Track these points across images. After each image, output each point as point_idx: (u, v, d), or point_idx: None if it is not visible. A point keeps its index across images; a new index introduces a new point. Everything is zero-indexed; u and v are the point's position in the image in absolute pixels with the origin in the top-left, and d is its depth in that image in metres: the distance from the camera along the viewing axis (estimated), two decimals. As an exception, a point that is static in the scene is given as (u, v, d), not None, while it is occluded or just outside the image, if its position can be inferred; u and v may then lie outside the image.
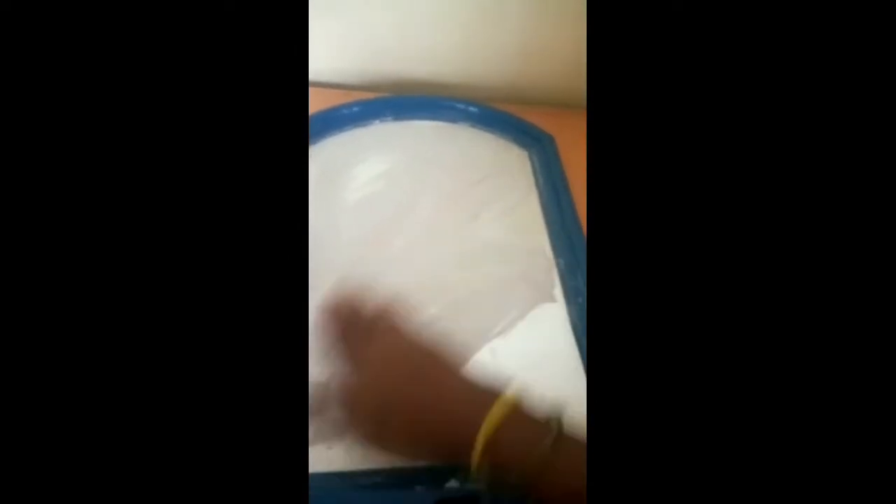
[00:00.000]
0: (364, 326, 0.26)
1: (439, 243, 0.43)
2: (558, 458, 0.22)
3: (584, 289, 0.41)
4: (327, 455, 0.31)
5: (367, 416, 0.25)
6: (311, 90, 0.60)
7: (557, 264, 0.43)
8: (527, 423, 0.23)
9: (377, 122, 0.53)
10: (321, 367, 0.28)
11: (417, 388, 0.25)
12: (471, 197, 0.48)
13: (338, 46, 0.60)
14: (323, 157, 0.49)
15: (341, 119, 0.51)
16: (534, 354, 0.37)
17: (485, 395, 0.24)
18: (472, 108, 0.54)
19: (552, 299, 0.41)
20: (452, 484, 0.30)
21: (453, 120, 0.54)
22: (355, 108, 0.51)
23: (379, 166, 0.49)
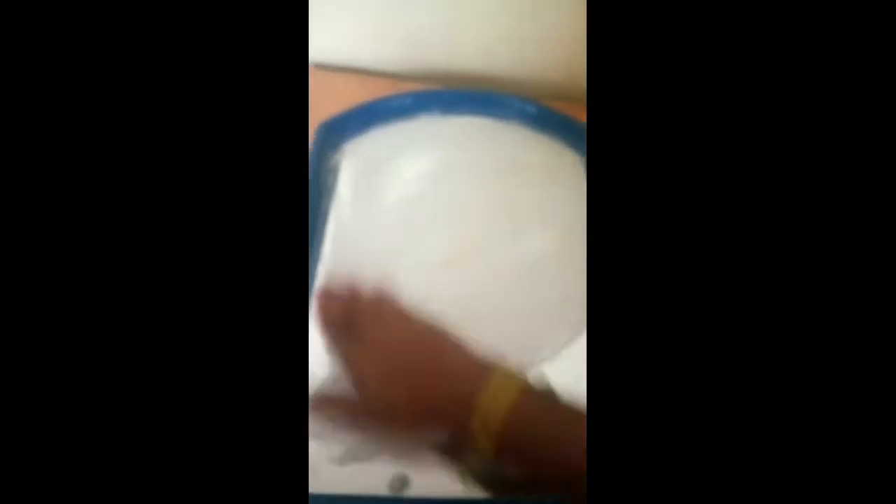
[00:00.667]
0: (355, 318, 0.26)
1: (483, 255, 0.40)
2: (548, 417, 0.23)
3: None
4: (358, 478, 0.29)
5: (372, 404, 0.25)
6: (353, 77, 0.58)
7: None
8: (533, 402, 0.23)
9: (423, 115, 0.50)
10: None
11: (418, 367, 0.25)
12: (520, 204, 0.44)
13: (383, 32, 0.57)
14: (367, 149, 0.46)
15: (387, 110, 0.48)
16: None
17: (481, 368, 0.24)
18: (529, 107, 0.50)
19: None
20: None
21: (505, 118, 0.50)
22: (404, 100, 0.48)
23: (423, 164, 0.46)
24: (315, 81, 0.59)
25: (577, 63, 0.55)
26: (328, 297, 0.27)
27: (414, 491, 0.29)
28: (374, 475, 0.29)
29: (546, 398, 0.23)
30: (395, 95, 0.49)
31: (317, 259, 0.39)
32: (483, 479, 0.25)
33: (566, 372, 0.34)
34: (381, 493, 0.29)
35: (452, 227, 0.42)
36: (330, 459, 0.30)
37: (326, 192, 0.43)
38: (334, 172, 0.45)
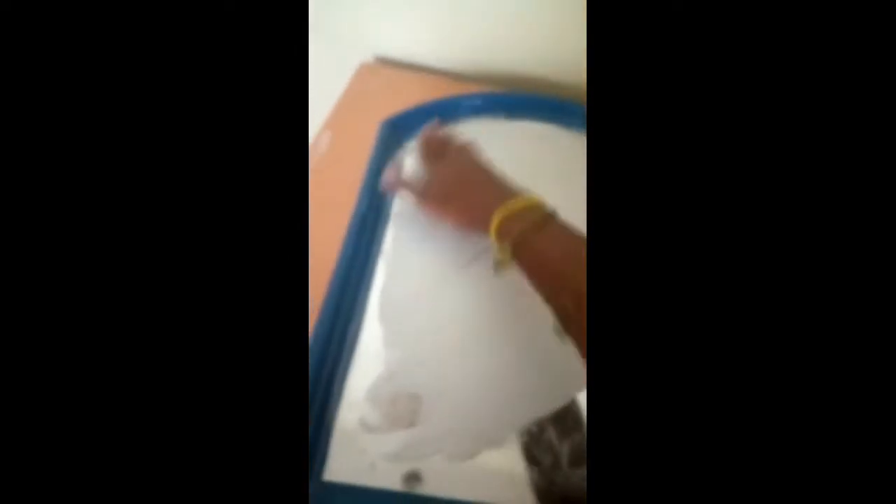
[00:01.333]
0: (445, 150, 0.39)
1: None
2: (544, 233, 0.30)
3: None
4: (413, 474, 0.29)
5: (433, 201, 0.36)
6: (415, 74, 0.57)
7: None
8: (529, 213, 0.31)
9: (488, 118, 0.49)
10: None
11: (468, 187, 0.35)
12: (576, 208, 0.43)
13: (448, 33, 0.57)
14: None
15: (452, 110, 0.48)
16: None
17: (504, 191, 0.33)
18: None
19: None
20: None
21: (569, 125, 0.49)
22: (472, 101, 0.48)
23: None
24: (375, 76, 0.59)
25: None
26: (432, 134, 0.41)
27: (426, 488, 0.29)
28: (389, 471, 0.29)
29: (548, 217, 0.30)
30: (464, 95, 0.48)
31: (372, 265, 0.38)
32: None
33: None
34: (395, 488, 0.29)
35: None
36: (384, 456, 0.30)
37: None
38: (398, 169, 0.44)
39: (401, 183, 0.39)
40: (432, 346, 0.34)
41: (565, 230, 0.30)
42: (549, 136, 0.49)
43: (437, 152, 0.39)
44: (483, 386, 0.32)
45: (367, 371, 0.33)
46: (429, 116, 0.46)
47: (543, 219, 0.30)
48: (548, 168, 0.46)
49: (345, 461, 0.30)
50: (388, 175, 0.40)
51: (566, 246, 0.29)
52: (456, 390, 0.32)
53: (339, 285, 0.34)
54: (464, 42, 0.57)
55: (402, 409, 0.31)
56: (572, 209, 0.44)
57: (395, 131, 0.46)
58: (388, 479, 0.29)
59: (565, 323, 0.28)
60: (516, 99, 0.50)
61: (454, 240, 0.38)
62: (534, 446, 0.31)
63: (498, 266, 0.31)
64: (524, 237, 0.30)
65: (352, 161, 0.43)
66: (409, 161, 0.43)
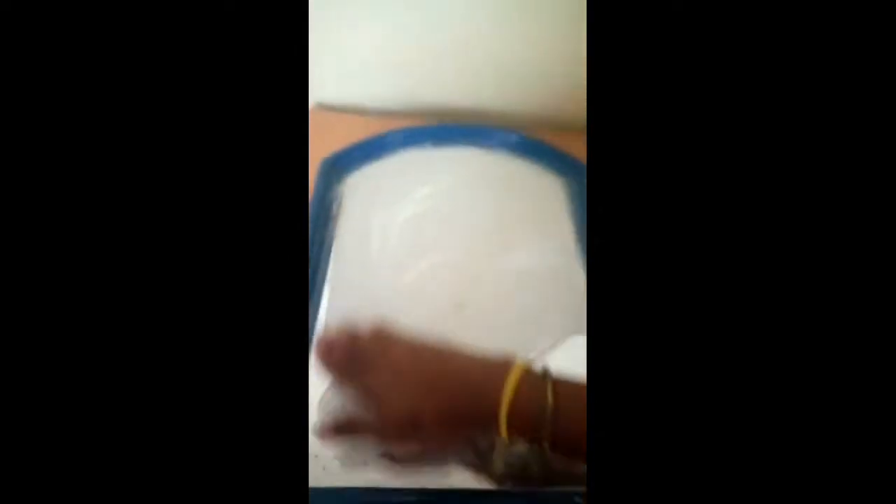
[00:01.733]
0: (359, 356, 0.27)
1: (473, 267, 0.44)
2: (559, 406, 0.24)
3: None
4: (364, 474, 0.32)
5: (397, 426, 0.26)
6: (352, 117, 0.62)
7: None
8: (533, 387, 0.24)
9: (417, 148, 0.54)
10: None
11: (436, 380, 0.26)
12: (507, 223, 0.48)
13: (379, 75, 0.62)
14: (370, 181, 0.51)
15: (385, 145, 0.53)
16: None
17: (496, 369, 0.25)
18: (511, 137, 0.55)
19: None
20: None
21: (492, 147, 0.55)
22: (398, 135, 0.53)
23: (420, 191, 0.50)
24: (317, 121, 0.64)
25: (554, 95, 0.60)
26: (328, 345, 0.27)
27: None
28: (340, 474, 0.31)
29: (545, 378, 0.24)
30: (389, 132, 0.53)
31: (325, 273, 0.42)
32: (511, 476, 0.25)
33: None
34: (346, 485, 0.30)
35: (447, 244, 0.45)
36: (335, 459, 0.33)
37: (331, 219, 0.47)
38: (338, 202, 0.49)
39: (340, 429, 0.27)
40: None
41: (568, 386, 0.24)
42: (474, 158, 0.54)
43: (350, 361, 0.27)
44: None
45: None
46: (362, 152, 0.51)
47: (545, 378, 0.24)
48: (473, 184, 0.51)
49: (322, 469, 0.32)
50: (322, 429, 0.28)
51: (572, 403, 0.23)
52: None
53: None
54: (394, 82, 0.63)
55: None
56: (502, 221, 0.49)
57: (333, 169, 0.50)
58: (340, 480, 0.32)
59: None
60: (439, 129, 0.55)
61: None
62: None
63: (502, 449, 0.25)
64: (530, 403, 0.23)
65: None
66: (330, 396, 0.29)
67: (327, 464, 0.32)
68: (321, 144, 0.54)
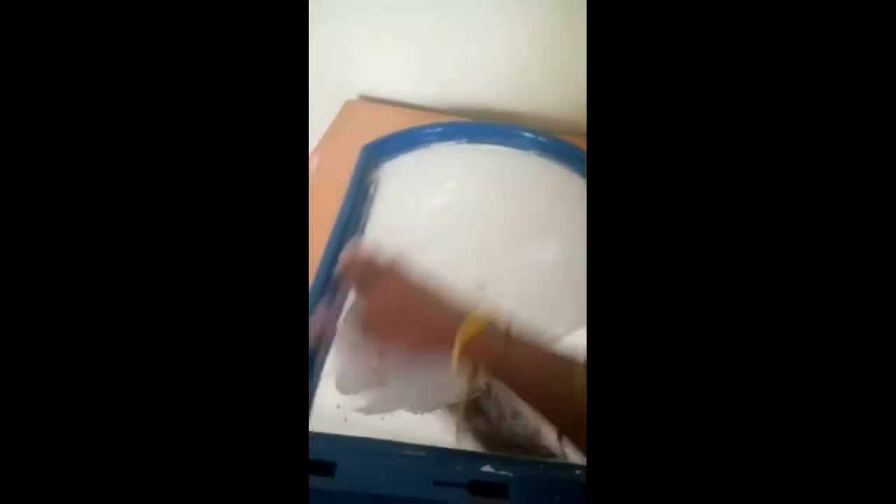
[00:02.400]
0: (375, 271, 0.35)
1: (494, 254, 0.46)
2: (511, 353, 0.29)
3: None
4: (381, 426, 0.35)
5: (379, 330, 0.34)
6: (393, 109, 0.66)
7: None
8: (492, 332, 0.30)
9: (453, 142, 0.57)
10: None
11: (414, 308, 0.33)
12: (530, 218, 0.50)
13: (421, 74, 0.65)
14: (402, 169, 0.54)
15: (422, 137, 0.56)
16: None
17: (460, 310, 0.32)
18: (540, 138, 0.57)
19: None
20: (488, 468, 0.32)
21: (522, 147, 0.57)
22: (437, 129, 0.56)
23: (451, 182, 0.53)
24: (359, 110, 0.67)
25: (581, 102, 0.62)
26: (351, 256, 0.37)
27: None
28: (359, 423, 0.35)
29: (503, 332, 0.30)
30: (427, 125, 0.56)
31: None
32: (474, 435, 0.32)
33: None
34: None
35: (472, 232, 0.48)
36: (356, 409, 0.35)
37: (367, 200, 0.50)
38: (375, 184, 0.52)
39: (334, 319, 0.36)
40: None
41: (529, 343, 0.30)
42: (505, 156, 0.57)
43: (364, 275, 0.36)
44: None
45: (347, 344, 0.39)
46: (401, 141, 0.54)
47: (507, 334, 0.30)
48: (502, 181, 0.54)
49: (322, 415, 0.35)
50: (317, 318, 0.37)
51: (537, 360, 0.29)
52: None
53: (321, 283, 0.41)
54: (435, 80, 0.66)
55: (375, 372, 0.37)
56: (525, 216, 0.51)
57: (373, 155, 0.54)
58: (358, 429, 0.34)
59: (565, 434, 0.29)
60: (474, 127, 0.58)
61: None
62: (483, 400, 0.36)
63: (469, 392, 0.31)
64: (497, 359, 0.29)
65: (336, 180, 0.51)
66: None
67: (349, 415, 0.35)
68: (363, 132, 0.57)
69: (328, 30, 0.63)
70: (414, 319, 0.33)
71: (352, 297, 0.38)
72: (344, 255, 0.38)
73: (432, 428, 0.35)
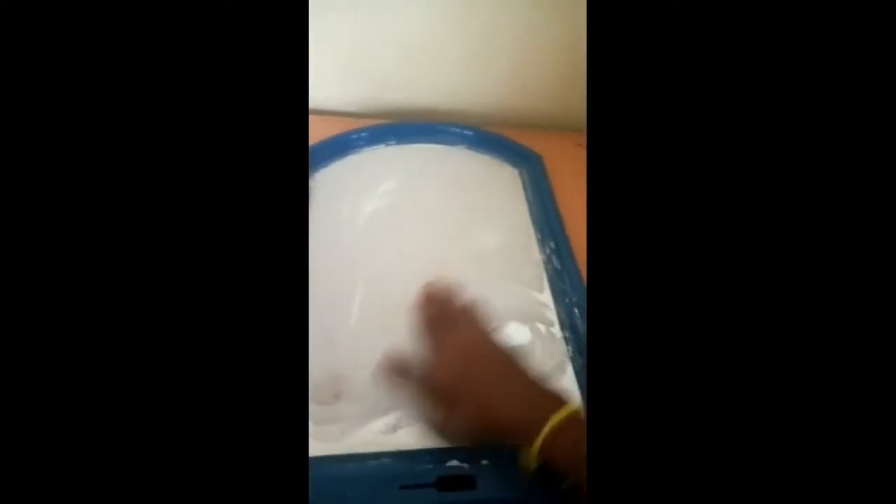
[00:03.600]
0: (448, 318, 0.30)
1: (437, 250, 0.46)
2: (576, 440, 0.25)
3: (570, 290, 0.43)
4: (341, 445, 0.34)
5: (439, 394, 0.28)
6: (318, 118, 0.63)
7: (546, 268, 0.46)
8: (576, 429, 0.25)
9: (382, 145, 0.56)
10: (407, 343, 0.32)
11: (487, 377, 0.27)
12: (467, 210, 0.51)
13: (343, 78, 0.64)
14: (334, 178, 0.52)
15: (350, 143, 0.54)
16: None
17: (548, 398, 0.26)
18: (467, 132, 0.57)
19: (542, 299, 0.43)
20: (453, 463, 0.32)
21: (451, 143, 0.57)
22: (363, 134, 0.55)
23: (384, 185, 0.52)
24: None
25: (505, 94, 0.63)
26: (428, 296, 0.32)
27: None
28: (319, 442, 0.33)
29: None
30: (353, 131, 0.55)
31: None
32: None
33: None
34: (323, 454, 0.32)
35: (414, 231, 0.47)
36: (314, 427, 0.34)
37: (301, 213, 0.48)
38: (310, 195, 0.50)
39: (399, 368, 0.30)
40: (348, 332, 0.39)
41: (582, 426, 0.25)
42: (435, 153, 0.56)
43: (438, 318, 0.30)
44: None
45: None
46: (330, 150, 0.53)
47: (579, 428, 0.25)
48: (436, 177, 0.53)
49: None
50: (386, 362, 0.31)
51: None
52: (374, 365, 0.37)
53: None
54: (359, 86, 0.65)
55: (327, 389, 0.36)
56: (462, 208, 0.51)
57: (302, 166, 0.52)
58: (317, 448, 0.33)
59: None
60: (401, 127, 0.57)
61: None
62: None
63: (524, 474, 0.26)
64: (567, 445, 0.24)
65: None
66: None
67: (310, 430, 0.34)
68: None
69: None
70: (485, 391, 0.27)
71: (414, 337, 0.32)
72: (420, 294, 0.32)
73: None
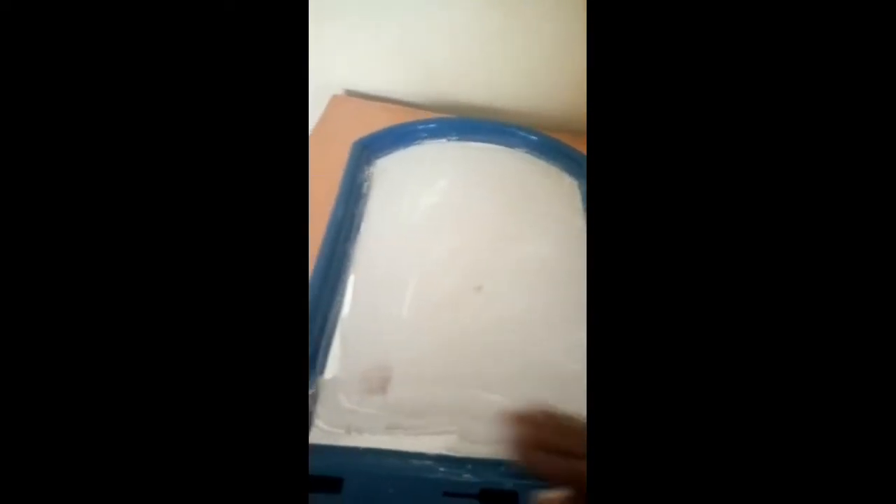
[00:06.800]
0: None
1: (489, 254, 0.44)
2: None
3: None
4: (392, 439, 0.32)
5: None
6: (380, 104, 0.62)
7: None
8: None
9: (444, 140, 0.53)
10: None
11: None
12: (522, 217, 0.48)
13: (406, 68, 0.61)
14: (394, 168, 0.50)
15: (413, 134, 0.52)
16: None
17: None
18: (531, 136, 0.54)
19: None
20: (497, 475, 0.30)
21: (512, 146, 0.54)
22: (430, 125, 0.52)
23: (443, 181, 0.50)
24: (345, 106, 0.63)
25: (572, 99, 0.60)
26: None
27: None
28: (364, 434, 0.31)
29: None
30: (419, 121, 0.52)
31: (353, 247, 0.41)
32: None
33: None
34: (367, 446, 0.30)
35: (466, 232, 0.45)
36: (360, 420, 0.32)
37: (361, 197, 0.46)
38: (368, 182, 0.48)
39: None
40: (398, 324, 0.37)
41: None
42: (495, 153, 0.54)
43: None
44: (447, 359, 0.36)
45: (345, 350, 0.36)
46: (394, 138, 0.50)
47: None
48: (493, 179, 0.51)
49: (324, 426, 0.32)
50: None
51: None
52: (423, 361, 0.35)
53: (318, 282, 0.37)
54: (421, 76, 0.62)
55: (375, 379, 0.34)
56: (517, 215, 0.49)
57: (365, 151, 0.50)
58: (362, 440, 0.31)
59: None
60: (466, 124, 0.54)
61: None
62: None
63: None
64: None
65: (327, 176, 0.47)
66: None
67: (351, 424, 0.32)
68: (351, 127, 0.53)
69: (311, 22, 0.58)
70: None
71: None
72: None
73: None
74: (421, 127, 0.52)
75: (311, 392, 0.33)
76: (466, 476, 0.29)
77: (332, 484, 0.28)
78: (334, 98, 0.62)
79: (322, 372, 0.34)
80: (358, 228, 0.44)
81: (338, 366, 0.35)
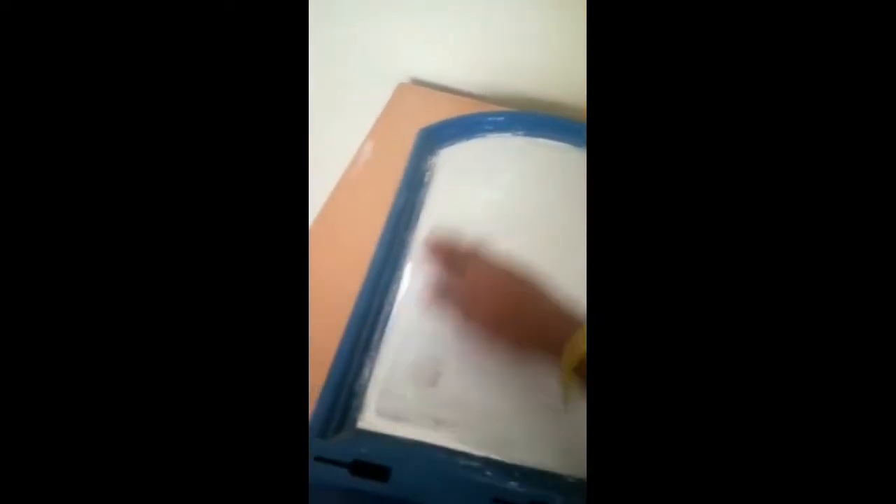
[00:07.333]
0: (460, 258, 0.32)
1: (547, 257, 0.42)
2: None
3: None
4: (434, 434, 0.31)
5: (481, 323, 0.31)
6: (446, 94, 0.60)
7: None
8: None
9: (509, 134, 0.51)
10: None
11: (517, 303, 0.30)
12: (580, 219, 0.45)
13: (473, 60, 0.60)
14: (456, 158, 0.49)
15: (479, 126, 0.51)
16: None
17: (569, 314, 0.29)
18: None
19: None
20: (544, 489, 0.28)
21: (579, 144, 0.52)
22: (499, 118, 0.50)
23: (505, 175, 0.48)
24: (410, 94, 0.62)
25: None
26: (434, 243, 0.34)
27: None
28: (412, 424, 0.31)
29: None
30: (486, 113, 0.51)
31: (409, 242, 0.41)
32: None
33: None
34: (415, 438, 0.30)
35: (526, 232, 0.43)
36: (409, 410, 0.32)
37: (423, 186, 0.45)
38: (431, 171, 0.47)
39: (441, 295, 0.32)
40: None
41: None
42: (561, 152, 0.51)
43: (449, 261, 0.33)
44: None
45: (399, 338, 0.35)
46: (459, 128, 0.49)
47: None
48: (557, 178, 0.48)
49: (375, 414, 0.32)
50: (427, 293, 0.33)
51: None
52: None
53: (378, 268, 0.37)
54: (487, 68, 0.61)
55: (426, 371, 0.33)
56: (581, 217, 0.46)
57: (429, 140, 0.49)
58: (410, 431, 0.31)
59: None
60: (534, 119, 0.52)
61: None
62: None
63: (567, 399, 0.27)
64: None
65: (391, 165, 0.46)
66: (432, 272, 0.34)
67: (401, 412, 0.31)
68: (416, 116, 0.52)
69: (379, 11, 0.58)
70: (519, 317, 0.29)
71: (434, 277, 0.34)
72: (429, 239, 0.35)
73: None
74: (489, 119, 0.50)
75: (362, 378, 0.33)
76: (513, 484, 0.28)
77: (379, 472, 0.27)
78: (401, 86, 0.62)
79: (376, 358, 0.34)
80: (418, 217, 0.43)
81: (392, 353, 0.34)
